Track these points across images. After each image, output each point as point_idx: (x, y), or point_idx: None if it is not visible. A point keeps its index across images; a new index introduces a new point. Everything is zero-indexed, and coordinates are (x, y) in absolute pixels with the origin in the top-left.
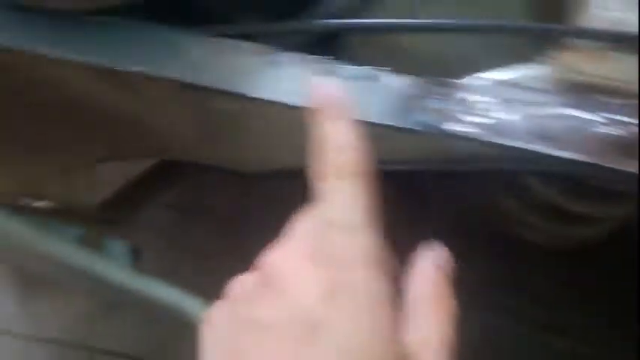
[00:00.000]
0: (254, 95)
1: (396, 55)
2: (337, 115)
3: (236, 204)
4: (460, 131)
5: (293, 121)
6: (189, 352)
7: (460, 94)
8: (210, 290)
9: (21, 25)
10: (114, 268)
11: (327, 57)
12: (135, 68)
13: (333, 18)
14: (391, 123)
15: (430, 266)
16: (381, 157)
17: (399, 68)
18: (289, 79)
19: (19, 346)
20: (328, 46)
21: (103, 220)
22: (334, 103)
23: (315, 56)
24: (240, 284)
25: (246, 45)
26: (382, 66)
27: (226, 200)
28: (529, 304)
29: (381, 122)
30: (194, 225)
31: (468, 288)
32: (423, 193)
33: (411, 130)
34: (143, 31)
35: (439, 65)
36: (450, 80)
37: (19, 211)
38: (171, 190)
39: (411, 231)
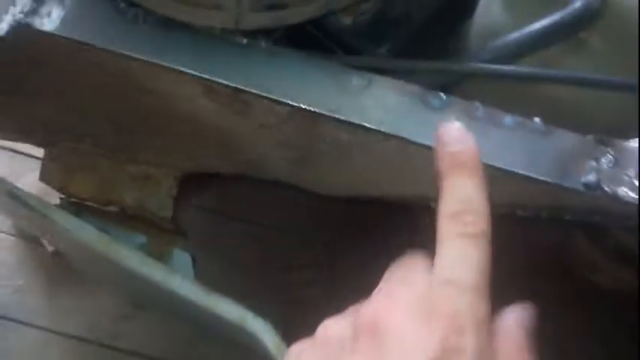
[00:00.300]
0: (407, 137)
1: (540, 104)
2: (470, 171)
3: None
4: (629, 196)
5: (409, 158)
6: (213, 355)
7: (628, 157)
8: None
9: (162, 39)
10: (180, 280)
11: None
12: (263, 93)
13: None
14: (557, 181)
15: (515, 327)
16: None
17: (546, 119)
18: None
19: (39, 339)
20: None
21: (170, 230)
22: (469, 155)
23: (473, 102)
24: (335, 328)
25: (397, 83)
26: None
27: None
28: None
29: (546, 179)
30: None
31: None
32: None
33: (577, 192)
34: (278, 56)
35: (591, 120)
36: (618, 141)
37: (85, 213)
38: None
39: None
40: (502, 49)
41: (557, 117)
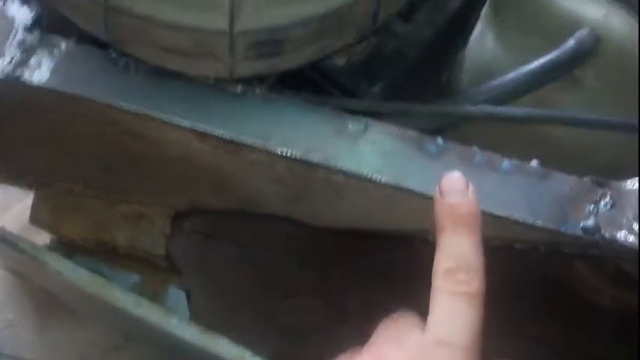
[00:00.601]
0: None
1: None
2: (468, 227)
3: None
4: (628, 241)
5: (406, 200)
6: None
7: (627, 199)
8: None
9: (155, 89)
10: (176, 321)
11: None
12: (255, 143)
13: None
14: (556, 228)
15: None
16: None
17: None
18: (439, 168)
19: None
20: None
21: (164, 268)
22: (467, 209)
23: (470, 147)
24: None
25: (394, 129)
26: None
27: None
28: None
29: (544, 226)
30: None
31: None
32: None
33: (573, 236)
34: (273, 103)
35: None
36: (615, 182)
37: (77, 253)
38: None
39: None
40: (497, 89)
41: (554, 155)
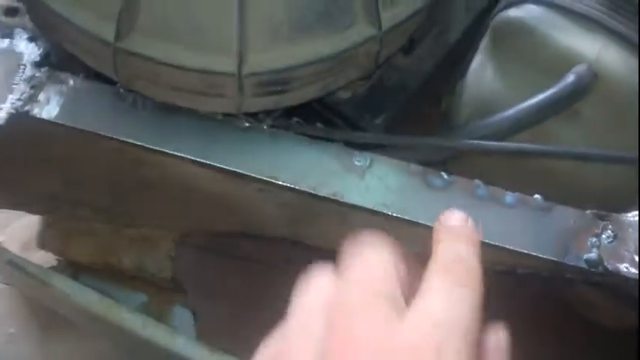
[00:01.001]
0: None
1: (546, 180)
2: (467, 238)
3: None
4: (630, 272)
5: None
6: None
7: (628, 231)
8: None
9: (163, 124)
10: (183, 342)
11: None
12: (263, 178)
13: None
14: (560, 260)
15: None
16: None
17: (541, 190)
18: (444, 201)
19: None
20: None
21: (170, 288)
22: (467, 230)
23: (474, 180)
24: None
25: (399, 163)
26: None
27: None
28: None
29: (549, 258)
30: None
31: None
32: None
33: (577, 268)
34: (280, 138)
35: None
36: (616, 215)
37: (83, 274)
38: None
39: None
40: (499, 124)
41: (553, 187)
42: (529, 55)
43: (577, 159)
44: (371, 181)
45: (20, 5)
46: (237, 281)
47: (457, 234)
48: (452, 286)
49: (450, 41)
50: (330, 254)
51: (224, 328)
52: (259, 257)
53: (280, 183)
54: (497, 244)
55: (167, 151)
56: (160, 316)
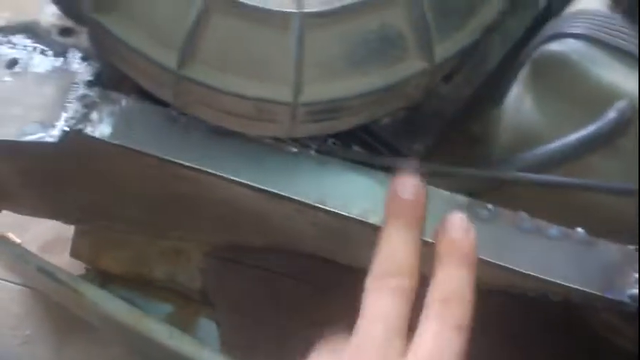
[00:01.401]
0: None
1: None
2: (465, 264)
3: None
4: None
5: None
6: None
7: None
8: None
9: (213, 147)
10: (208, 354)
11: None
12: (311, 202)
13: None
14: (603, 294)
15: None
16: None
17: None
18: (490, 232)
19: None
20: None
21: (196, 299)
22: (467, 249)
23: (519, 212)
24: None
25: (445, 193)
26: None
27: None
28: None
29: (593, 292)
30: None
31: None
32: None
33: (622, 303)
34: (327, 164)
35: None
36: None
37: (111, 283)
38: None
39: None
40: (540, 158)
41: (594, 221)
42: (569, 89)
43: (617, 194)
44: None
45: (74, 25)
46: (262, 294)
47: (460, 253)
48: (445, 328)
49: (487, 70)
50: (357, 273)
51: (247, 340)
52: (286, 271)
53: (328, 209)
54: (540, 275)
55: (218, 173)
56: (185, 327)
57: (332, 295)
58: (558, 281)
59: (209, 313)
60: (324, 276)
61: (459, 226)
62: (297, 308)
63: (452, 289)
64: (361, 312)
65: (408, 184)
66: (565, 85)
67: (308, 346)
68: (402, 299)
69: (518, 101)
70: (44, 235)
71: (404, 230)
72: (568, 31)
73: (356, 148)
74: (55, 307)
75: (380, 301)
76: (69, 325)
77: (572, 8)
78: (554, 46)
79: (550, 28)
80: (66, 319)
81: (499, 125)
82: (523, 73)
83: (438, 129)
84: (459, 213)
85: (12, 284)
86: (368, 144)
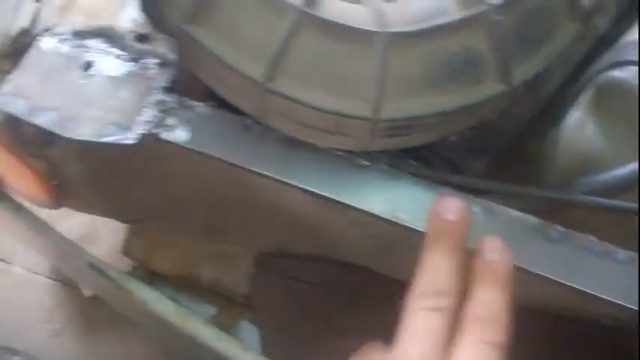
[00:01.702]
0: None
1: None
2: (501, 285)
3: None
4: None
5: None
6: None
7: None
8: None
9: (286, 156)
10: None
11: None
12: (381, 214)
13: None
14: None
15: None
16: None
17: None
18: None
19: None
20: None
21: (241, 303)
22: (504, 271)
23: (588, 236)
24: None
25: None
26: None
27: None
28: None
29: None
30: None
31: None
32: None
33: None
34: (398, 179)
35: None
36: None
37: (158, 282)
38: None
39: None
40: (606, 182)
41: None
42: (632, 115)
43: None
44: (486, 226)
45: (151, 32)
46: (292, 302)
47: (497, 275)
48: (481, 346)
49: (548, 92)
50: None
51: (281, 348)
52: (315, 280)
53: (400, 222)
54: (608, 298)
55: (292, 182)
56: (228, 330)
57: (359, 305)
58: (631, 306)
59: (251, 317)
60: (352, 286)
61: (495, 249)
62: (325, 317)
63: (489, 309)
64: (403, 327)
65: (452, 204)
66: (628, 112)
67: (336, 355)
68: (442, 318)
69: (580, 125)
70: (79, 229)
71: (447, 251)
72: (631, 59)
73: (411, 161)
74: (86, 302)
75: (421, 319)
76: (97, 321)
77: (629, 37)
78: (617, 74)
79: (612, 55)
80: (95, 315)
81: (556, 147)
82: (585, 98)
83: (498, 148)
84: (494, 237)
85: (44, 278)
86: (426, 159)
